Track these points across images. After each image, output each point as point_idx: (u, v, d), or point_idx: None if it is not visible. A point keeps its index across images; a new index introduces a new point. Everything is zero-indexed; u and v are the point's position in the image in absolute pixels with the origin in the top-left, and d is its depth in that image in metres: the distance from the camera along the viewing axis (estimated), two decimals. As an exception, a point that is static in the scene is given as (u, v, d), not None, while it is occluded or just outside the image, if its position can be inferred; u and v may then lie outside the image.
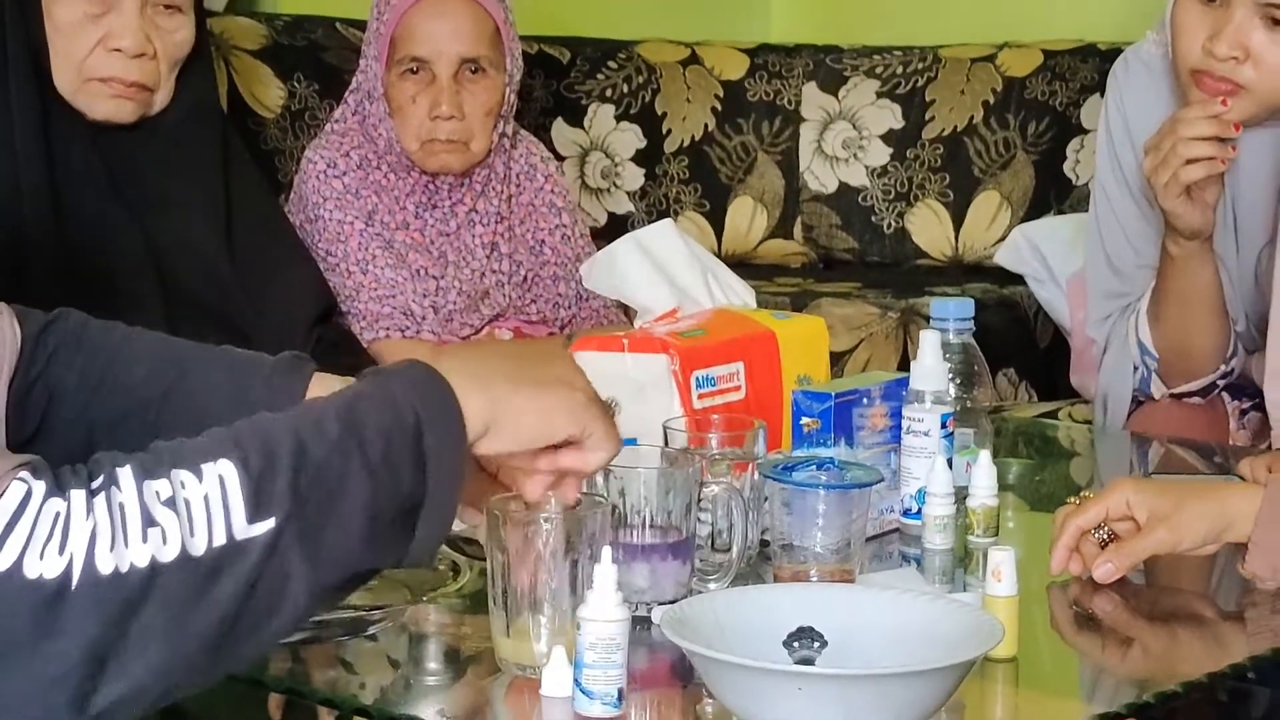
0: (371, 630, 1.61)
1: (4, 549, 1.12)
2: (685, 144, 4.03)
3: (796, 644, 1.42)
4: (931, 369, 1.94)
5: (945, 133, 3.98)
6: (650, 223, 2.14)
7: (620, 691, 1.41)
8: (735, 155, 4.05)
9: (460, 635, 1.68)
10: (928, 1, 4.45)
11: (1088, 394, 2.84)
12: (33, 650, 1.13)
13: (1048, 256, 3.55)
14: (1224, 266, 2.51)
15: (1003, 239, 3.81)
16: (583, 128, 3.96)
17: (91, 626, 1.14)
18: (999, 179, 3.93)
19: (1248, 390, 2.57)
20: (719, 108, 4.06)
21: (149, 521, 1.15)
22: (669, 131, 4.03)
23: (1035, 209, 3.88)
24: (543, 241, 2.96)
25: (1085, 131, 3.86)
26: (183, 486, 1.17)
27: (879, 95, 4.04)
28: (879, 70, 4.07)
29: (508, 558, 1.48)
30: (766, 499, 1.73)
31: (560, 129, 3.94)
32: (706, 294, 2.06)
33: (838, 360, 3.39)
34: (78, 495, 1.15)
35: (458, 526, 1.83)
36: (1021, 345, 3.63)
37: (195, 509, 1.17)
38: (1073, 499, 1.86)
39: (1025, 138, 3.93)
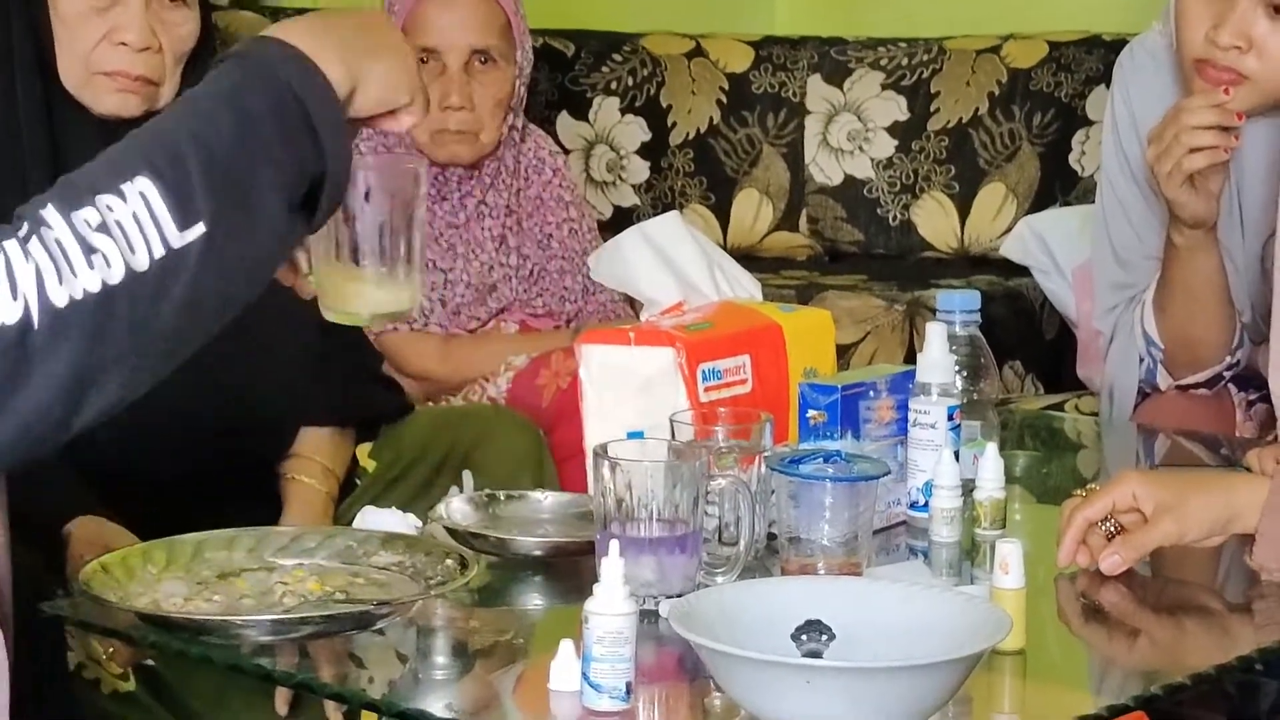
0: (379, 625, 1.61)
1: None
2: (690, 137, 4.04)
3: (804, 637, 1.42)
4: (938, 361, 1.94)
5: (950, 124, 3.98)
6: (656, 216, 2.13)
7: (628, 685, 1.42)
8: (740, 148, 4.05)
9: (469, 630, 1.68)
10: (932, -8, 4.45)
11: (1094, 386, 2.84)
12: (12, 394, 1.19)
13: (1053, 248, 3.55)
14: (1229, 257, 2.51)
15: (1008, 231, 3.81)
16: (588, 121, 3.97)
17: (61, 358, 1.20)
18: (1004, 171, 3.93)
19: (1254, 382, 2.57)
20: (724, 100, 4.06)
21: (88, 250, 1.21)
22: (674, 124, 4.03)
23: (1041, 201, 3.88)
24: (550, 235, 2.96)
25: (1091, 123, 3.86)
26: (110, 210, 1.23)
27: (884, 87, 4.04)
28: (884, 62, 4.07)
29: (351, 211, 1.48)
30: (773, 492, 1.73)
31: (565, 122, 3.94)
32: (713, 287, 2.06)
33: (844, 353, 3.39)
34: (11, 244, 1.20)
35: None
36: (1027, 337, 3.64)
37: (129, 228, 1.23)
38: (1079, 491, 1.86)
39: (1031, 129, 3.92)
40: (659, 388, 1.88)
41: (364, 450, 2.39)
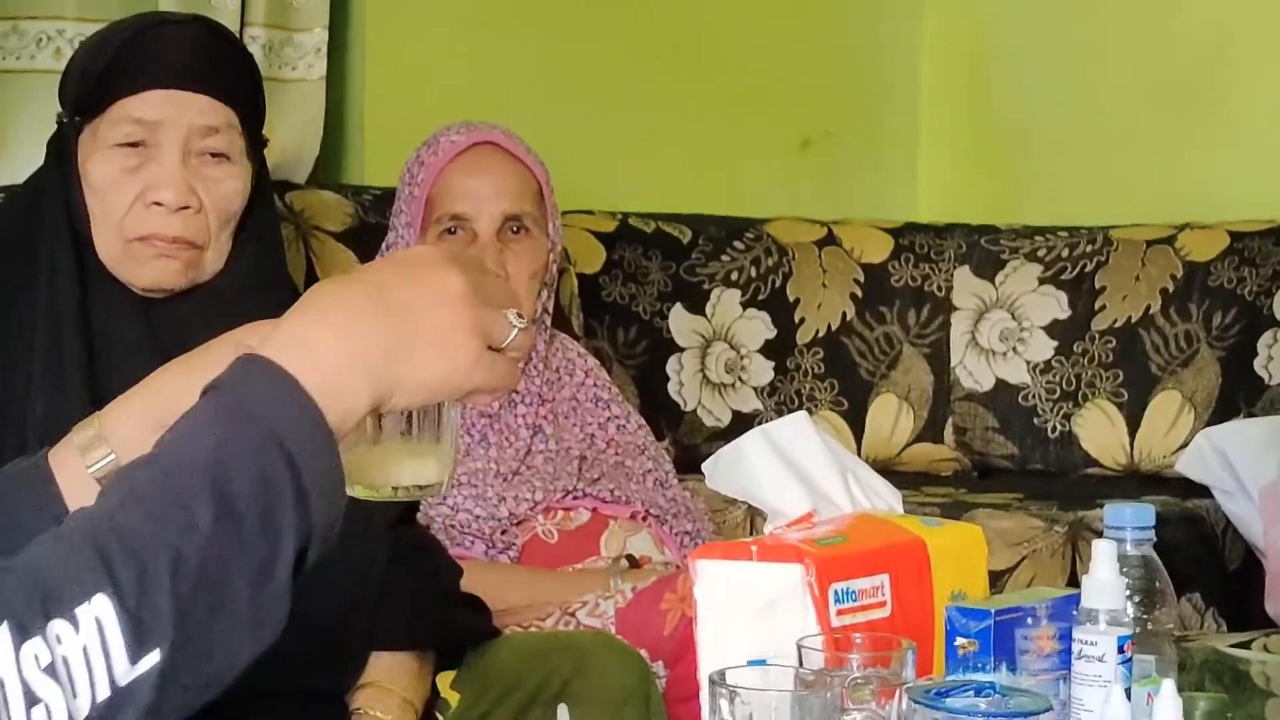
0: None
1: None
2: (820, 334, 4.05)
3: None
4: (1107, 584, 1.91)
5: (1118, 324, 3.98)
6: (780, 420, 2.14)
7: None
8: (877, 347, 4.05)
9: None
10: (1097, 176, 4.46)
11: (1284, 622, 2.81)
12: None
13: (1236, 465, 3.53)
14: None
15: (1184, 445, 3.79)
16: (704, 315, 3.99)
17: None
18: (1180, 377, 3.91)
19: None
20: (859, 294, 4.07)
21: (31, 700, 1.18)
22: (802, 320, 4.04)
23: (1222, 411, 3.86)
24: (593, 435, 3.00)
25: (1278, 324, 3.84)
26: (59, 642, 1.20)
27: (1041, 281, 4.05)
28: (1041, 253, 4.07)
29: None
30: (916, 730, 1.71)
31: (679, 316, 3.96)
32: (846, 496, 2.05)
33: (997, 580, 3.36)
34: None
35: None
36: (1207, 566, 3.60)
37: (75, 668, 1.20)
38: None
39: (1210, 330, 3.91)
40: (785, 610, 1.86)
41: (445, 680, 2.38)
